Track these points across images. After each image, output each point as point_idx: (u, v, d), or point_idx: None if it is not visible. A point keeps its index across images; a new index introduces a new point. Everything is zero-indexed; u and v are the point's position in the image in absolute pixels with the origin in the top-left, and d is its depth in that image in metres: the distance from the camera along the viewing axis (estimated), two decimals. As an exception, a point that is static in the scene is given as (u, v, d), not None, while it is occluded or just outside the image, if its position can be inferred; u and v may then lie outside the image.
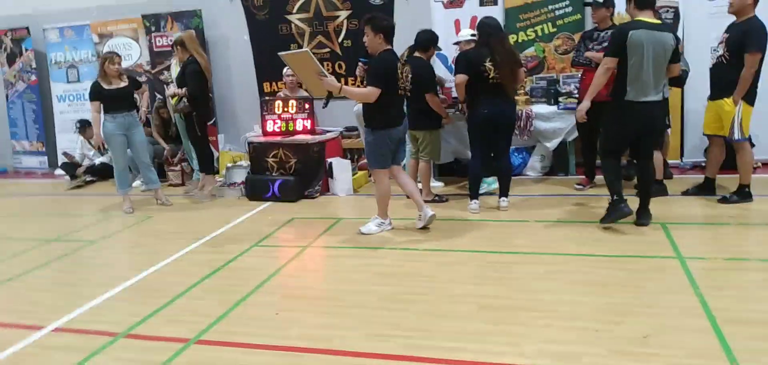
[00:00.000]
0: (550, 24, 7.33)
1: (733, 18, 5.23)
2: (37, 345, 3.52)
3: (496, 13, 7.31)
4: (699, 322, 3.21)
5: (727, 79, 5.13)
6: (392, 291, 3.92)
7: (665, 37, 4.58)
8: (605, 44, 5.49)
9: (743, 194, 5.32)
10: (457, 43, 6.35)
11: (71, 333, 3.64)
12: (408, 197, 5.34)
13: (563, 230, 5.00)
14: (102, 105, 6.36)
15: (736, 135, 5.15)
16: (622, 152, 5.12)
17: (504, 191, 5.68)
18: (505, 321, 3.39)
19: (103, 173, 8.48)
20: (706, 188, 5.61)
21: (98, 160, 8.56)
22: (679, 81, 5.71)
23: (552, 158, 7.02)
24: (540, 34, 7.37)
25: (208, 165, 7.00)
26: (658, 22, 4.74)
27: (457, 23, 7.53)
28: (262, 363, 3.14)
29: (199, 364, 3.16)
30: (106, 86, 6.35)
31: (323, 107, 5.30)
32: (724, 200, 5.37)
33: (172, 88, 6.81)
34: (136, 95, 6.63)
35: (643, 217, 4.89)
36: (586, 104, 5.02)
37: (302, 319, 3.63)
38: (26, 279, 4.70)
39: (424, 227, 5.14)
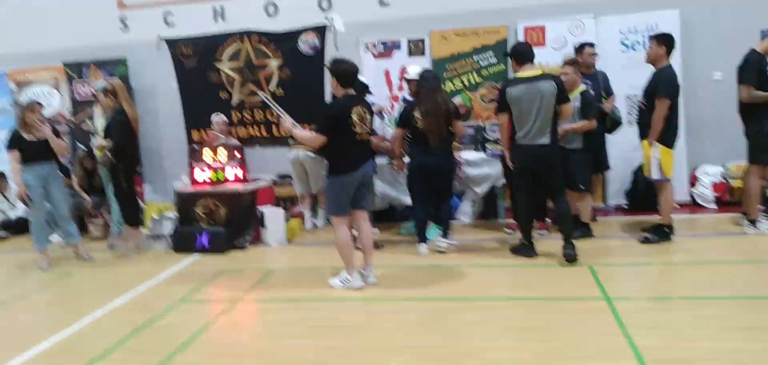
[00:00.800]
0: (475, 74, 7.57)
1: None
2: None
3: (424, 63, 7.50)
4: (629, 363, 3.29)
5: (645, 122, 5.50)
6: (328, 345, 3.82)
7: (544, 86, 5.07)
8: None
9: (662, 233, 5.58)
10: (408, 80, 6.29)
11: (-24, 407, 3.33)
12: (357, 248, 5.07)
13: (496, 274, 5.07)
14: (21, 155, 6.02)
15: (654, 175, 5.46)
16: (529, 191, 5.38)
17: (443, 233, 5.75)
18: (444, 371, 3.36)
19: (18, 227, 7.97)
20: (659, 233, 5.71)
21: (14, 214, 8.05)
22: (611, 128, 6.15)
23: (482, 203, 7.16)
24: (466, 83, 7.59)
25: (134, 217, 6.70)
26: (538, 73, 5.23)
27: (386, 73, 7.67)
28: (190, 428, 2.97)
29: (121, 434, 2.95)
30: (26, 136, 6.03)
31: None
32: (645, 240, 5.61)
33: (98, 140, 6.53)
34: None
35: (566, 248, 5.17)
36: (506, 152, 5.50)
37: (234, 378, 3.47)
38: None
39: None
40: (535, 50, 5.56)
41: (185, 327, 4.31)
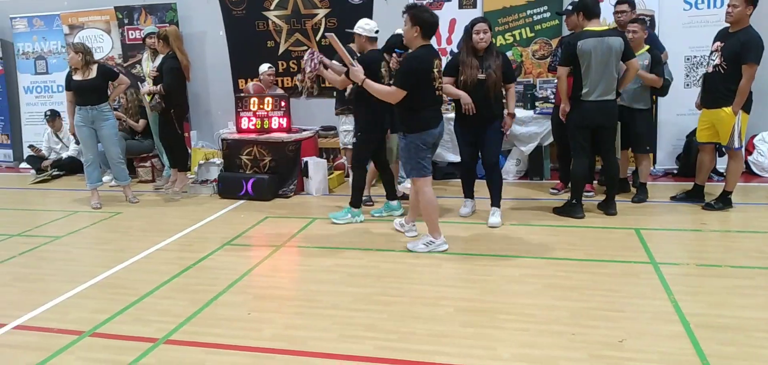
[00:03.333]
0: (527, 29, 7.36)
1: (719, 26, 5.33)
2: (-3, 344, 3.38)
3: (475, 15, 7.32)
4: (673, 327, 3.22)
5: (724, 88, 5.15)
6: (367, 293, 3.87)
7: (613, 41, 5.01)
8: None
9: (726, 200, 5.40)
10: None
11: (33, 332, 3.51)
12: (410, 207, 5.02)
13: (538, 234, 4.99)
14: (72, 95, 6.24)
15: (736, 144, 5.23)
16: (587, 150, 5.30)
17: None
18: (482, 325, 3.35)
19: (70, 167, 8.27)
20: (694, 195, 5.67)
21: (65, 154, 8.35)
22: (662, 90, 5.80)
23: (527, 162, 7.04)
24: (518, 38, 7.40)
25: (182, 162, 6.86)
26: (605, 28, 5.20)
27: (435, 25, 7.52)
28: (232, 363, 3.05)
29: (167, 364, 3.06)
30: (74, 77, 6.21)
31: (347, 97, 5.48)
32: (708, 206, 5.44)
33: (146, 87, 6.66)
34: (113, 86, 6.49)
35: (609, 207, 5.34)
36: (564, 106, 5.30)
37: (275, 320, 3.55)
38: (-12, 275, 4.53)
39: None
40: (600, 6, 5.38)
41: (230, 268, 4.42)
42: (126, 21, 8.42)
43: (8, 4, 9.00)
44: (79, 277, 4.32)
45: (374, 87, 4.60)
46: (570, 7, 5.96)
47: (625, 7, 5.90)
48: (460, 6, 7.52)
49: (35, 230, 5.76)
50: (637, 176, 5.97)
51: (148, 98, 6.77)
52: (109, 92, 6.46)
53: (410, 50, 4.53)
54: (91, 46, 6.80)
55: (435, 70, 4.43)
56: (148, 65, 6.87)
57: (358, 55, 5.45)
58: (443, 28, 7.49)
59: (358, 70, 4.64)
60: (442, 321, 3.42)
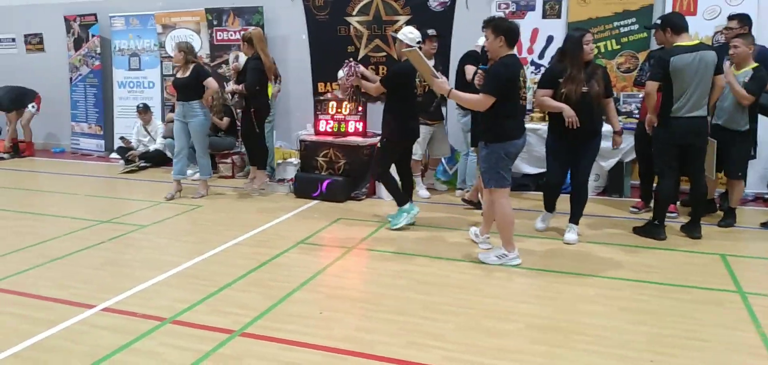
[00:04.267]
0: (613, 41, 7.14)
1: None
2: (86, 323, 3.61)
3: (559, 26, 7.21)
4: (760, 362, 3.04)
5: None
6: (435, 301, 3.87)
7: (707, 56, 4.86)
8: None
9: None
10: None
11: (120, 315, 3.72)
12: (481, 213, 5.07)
13: (616, 254, 4.83)
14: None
15: None
16: (674, 169, 5.09)
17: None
18: (551, 343, 3.28)
19: (157, 159, 8.70)
20: None
21: (153, 146, 8.79)
22: (763, 110, 5.51)
23: (607, 177, 6.82)
24: (603, 50, 7.19)
25: (262, 160, 7.08)
26: (697, 42, 5.06)
27: (516, 34, 7.41)
28: (305, 360, 3.13)
29: (242, 356, 3.17)
30: (177, 74, 6.75)
31: (432, 109, 5.57)
32: None
33: (231, 85, 6.91)
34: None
35: (694, 230, 5.16)
36: (652, 117, 5.17)
37: (345, 321, 3.61)
38: (79, 258, 4.84)
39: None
40: (687, 19, 5.16)
41: (303, 267, 4.54)
42: (215, 22, 8.78)
43: (109, 4, 9.59)
44: (162, 266, 4.55)
45: (462, 96, 4.60)
46: (659, 22, 5.73)
47: (734, 23, 5.68)
48: (544, 16, 7.38)
49: (123, 217, 6.10)
50: (726, 199, 5.66)
51: (230, 97, 7.03)
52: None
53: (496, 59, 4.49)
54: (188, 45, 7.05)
55: (521, 79, 4.42)
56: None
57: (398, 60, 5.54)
58: (525, 37, 7.38)
59: (442, 82, 4.67)
60: (511, 336, 3.37)
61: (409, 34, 5.30)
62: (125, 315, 3.72)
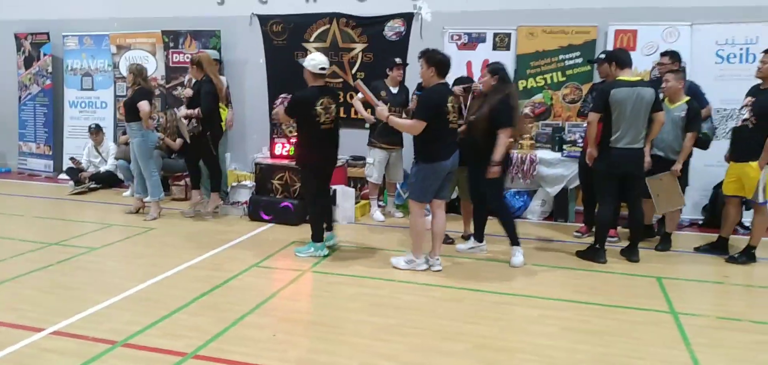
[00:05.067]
0: (559, 73, 7.47)
1: (750, 81, 5.41)
2: (35, 347, 3.57)
3: (508, 58, 7.50)
4: (689, 379, 3.25)
5: (752, 142, 5.17)
6: (388, 323, 3.97)
7: (645, 91, 5.16)
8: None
9: (750, 255, 5.39)
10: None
11: (69, 338, 3.69)
12: (432, 235, 5.14)
13: (560, 276, 5.05)
14: None
15: (761, 198, 5.21)
16: (613, 196, 5.41)
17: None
18: (498, 362, 3.43)
19: (107, 180, 8.58)
20: (719, 247, 5.67)
21: (104, 167, 8.67)
22: (702, 144, 5.85)
23: (553, 203, 7.10)
24: (549, 81, 7.51)
25: (218, 183, 7.07)
26: (638, 78, 5.36)
27: (468, 65, 7.68)
28: (256, 382, 3.18)
29: (194, 379, 3.21)
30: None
31: (376, 129, 5.95)
32: (731, 259, 5.43)
33: (183, 110, 6.90)
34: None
35: (632, 254, 5.44)
36: (592, 150, 5.41)
37: (299, 343, 3.68)
38: (27, 280, 4.76)
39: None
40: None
41: (256, 290, 4.58)
42: (171, 45, 8.76)
43: (63, 23, 9.45)
44: (113, 289, 4.51)
45: (398, 122, 5.10)
46: (602, 56, 6.08)
47: (666, 59, 6.03)
48: (494, 48, 7.67)
49: (72, 239, 6.00)
50: (663, 224, 5.98)
51: (184, 122, 7.01)
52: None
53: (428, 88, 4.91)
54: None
55: (449, 105, 4.83)
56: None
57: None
58: (476, 67, 7.63)
59: (382, 109, 5.04)
60: (460, 356, 3.50)
61: (311, 61, 5.38)
62: (75, 338, 3.69)
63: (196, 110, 6.62)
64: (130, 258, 5.50)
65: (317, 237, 5.50)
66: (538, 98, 7.53)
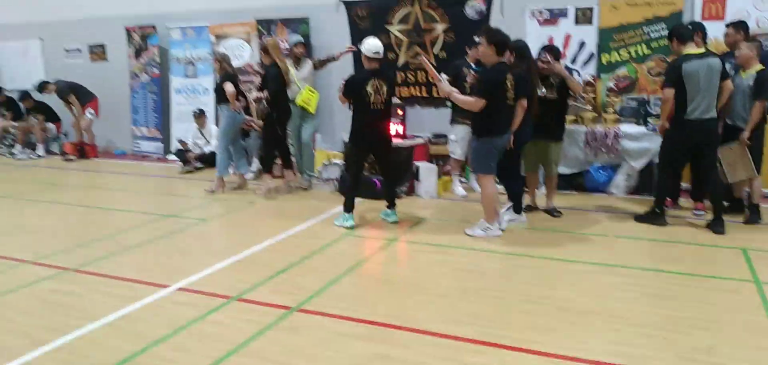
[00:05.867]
0: (644, 45, 7.40)
1: None
2: (165, 300, 4.14)
3: (591, 32, 7.53)
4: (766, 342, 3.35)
5: None
6: (471, 286, 4.27)
7: (713, 62, 5.30)
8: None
9: None
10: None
11: (192, 293, 4.24)
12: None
13: (643, 246, 5.16)
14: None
15: None
16: (681, 167, 5.78)
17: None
18: (577, 322, 3.65)
19: (211, 161, 9.29)
20: None
21: (208, 148, 9.40)
22: None
23: (638, 177, 7.09)
24: (633, 55, 7.46)
25: (287, 161, 7.55)
26: (703, 50, 5.47)
27: (550, 40, 7.73)
28: (352, 332, 3.57)
29: (299, 327, 3.64)
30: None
31: (451, 109, 6.17)
32: None
33: (254, 93, 7.42)
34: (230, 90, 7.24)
35: (717, 226, 5.46)
36: (664, 123, 5.60)
37: (388, 301, 4.06)
38: (149, 247, 5.41)
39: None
40: (714, 24, 5.78)
41: (350, 255, 5.01)
42: (264, 32, 9.36)
43: (166, 16, 10.29)
44: (224, 253, 5.06)
45: (458, 98, 5.37)
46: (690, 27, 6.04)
47: (730, 30, 6.01)
48: (576, 22, 7.69)
49: (184, 212, 6.68)
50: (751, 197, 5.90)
51: (255, 103, 7.59)
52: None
53: (488, 65, 5.22)
54: (231, 55, 7.63)
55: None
56: (293, 71, 7.51)
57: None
58: (558, 43, 7.69)
59: (443, 84, 5.33)
60: (540, 315, 3.75)
61: (366, 45, 5.75)
62: (196, 293, 4.24)
63: (264, 92, 7.13)
64: (236, 227, 6.09)
65: (347, 206, 5.86)
66: (622, 71, 7.50)
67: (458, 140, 7.08)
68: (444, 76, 5.69)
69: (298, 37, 7.93)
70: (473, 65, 6.84)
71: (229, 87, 7.14)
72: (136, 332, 3.61)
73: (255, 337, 3.50)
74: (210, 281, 4.48)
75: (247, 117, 8.18)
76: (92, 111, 10.59)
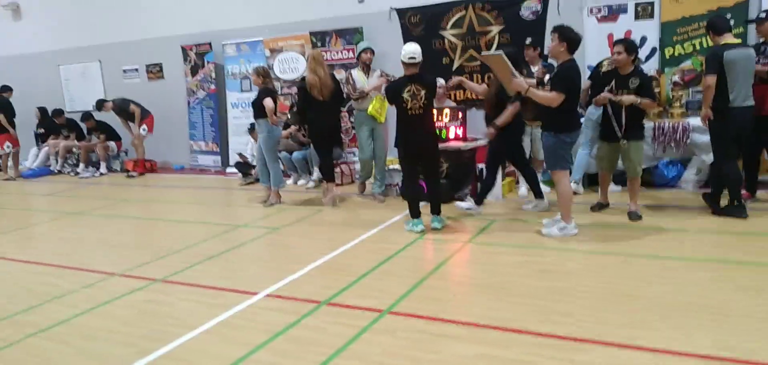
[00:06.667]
0: (709, 37, 7.22)
1: None
2: (256, 307, 4.23)
3: (652, 27, 7.42)
4: None
5: None
6: (558, 286, 4.23)
7: (750, 52, 5.61)
8: (771, 58, 5.65)
9: None
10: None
11: (281, 299, 4.32)
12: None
13: (726, 240, 5.04)
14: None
15: None
16: (736, 154, 5.78)
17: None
18: (677, 318, 3.58)
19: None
20: None
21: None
22: None
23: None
24: (698, 47, 7.31)
25: (327, 173, 7.51)
26: (739, 41, 5.80)
27: (609, 37, 7.65)
28: (451, 333, 3.58)
29: (396, 330, 3.68)
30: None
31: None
32: None
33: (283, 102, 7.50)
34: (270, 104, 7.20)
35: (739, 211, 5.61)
36: (707, 111, 5.63)
37: (478, 301, 4.06)
38: (231, 255, 5.53)
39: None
40: None
41: (428, 259, 5.03)
42: (319, 44, 9.49)
43: (222, 32, 10.53)
44: (304, 260, 5.14)
45: (538, 94, 5.27)
46: (763, 14, 5.93)
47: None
48: (637, 17, 7.59)
49: (255, 222, 6.81)
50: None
51: (282, 116, 7.67)
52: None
53: (557, 62, 5.31)
54: (287, 67, 7.67)
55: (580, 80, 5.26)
56: (362, 78, 7.45)
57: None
58: (619, 37, 7.58)
59: (520, 81, 5.28)
60: (637, 311, 3.70)
61: (402, 51, 5.89)
62: (286, 299, 4.32)
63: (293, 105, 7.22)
64: (310, 235, 6.16)
65: (412, 213, 5.91)
66: (686, 64, 7.36)
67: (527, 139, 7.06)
68: (534, 69, 5.87)
69: (366, 43, 7.75)
70: (532, 68, 6.81)
71: (269, 102, 7.14)
72: (234, 338, 3.70)
73: (353, 340, 3.55)
74: (296, 287, 4.56)
75: (286, 130, 8.33)
76: (145, 128, 10.89)
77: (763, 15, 5.86)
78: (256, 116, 7.42)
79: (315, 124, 7.37)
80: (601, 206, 6.20)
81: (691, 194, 6.74)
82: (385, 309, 3.97)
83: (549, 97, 5.17)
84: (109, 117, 11.21)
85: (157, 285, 4.81)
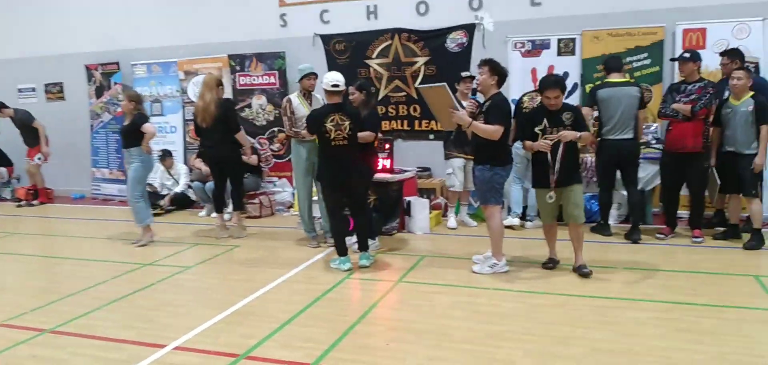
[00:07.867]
0: (627, 75, 7.40)
1: None
2: (161, 363, 3.71)
3: (574, 63, 7.52)
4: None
5: None
6: (496, 330, 4.01)
7: (628, 90, 6.11)
8: (693, 96, 5.89)
9: None
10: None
11: (193, 353, 3.83)
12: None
13: (655, 278, 5.01)
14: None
15: None
16: (611, 184, 6.36)
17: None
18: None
19: (181, 202, 8.86)
20: None
21: (176, 189, 8.93)
22: None
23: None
24: (618, 84, 7.46)
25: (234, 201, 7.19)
26: (624, 80, 6.30)
27: (533, 72, 7.70)
28: (386, 389, 3.26)
29: (325, 387, 3.30)
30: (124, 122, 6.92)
31: (451, 139, 6.00)
32: None
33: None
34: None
35: (635, 234, 6.15)
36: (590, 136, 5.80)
37: (414, 351, 3.75)
38: (134, 299, 4.95)
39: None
40: (697, 52, 6.18)
41: (357, 301, 4.70)
42: (238, 68, 9.01)
43: (131, 52, 9.81)
44: (219, 304, 4.65)
45: (480, 127, 5.04)
46: (687, 55, 6.08)
47: (725, 59, 6.28)
48: (559, 53, 7.68)
49: (165, 259, 6.20)
50: (749, 222, 5.91)
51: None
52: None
53: (484, 96, 5.22)
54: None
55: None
56: (304, 106, 6.46)
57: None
58: (541, 74, 7.62)
59: (462, 115, 5.13)
60: (579, 359, 3.52)
61: (325, 79, 5.63)
62: (198, 352, 3.83)
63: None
64: (226, 275, 5.65)
65: (338, 250, 5.57)
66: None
67: (455, 171, 6.90)
68: (465, 103, 5.63)
69: (309, 67, 6.62)
70: (463, 103, 6.67)
71: (151, 127, 6.59)
72: (139, 402, 3.20)
73: (278, 401, 3.14)
74: (210, 336, 4.08)
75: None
76: (41, 156, 9.85)
77: (687, 56, 6.02)
78: (126, 145, 6.74)
79: (204, 153, 7.08)
80: (553, 263, 5.38)
81: (614, 228, 6.79)
82: (313, 362, 3.58)
83: (490, 129, 4.97)
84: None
85: (44, 337, 4.17)
